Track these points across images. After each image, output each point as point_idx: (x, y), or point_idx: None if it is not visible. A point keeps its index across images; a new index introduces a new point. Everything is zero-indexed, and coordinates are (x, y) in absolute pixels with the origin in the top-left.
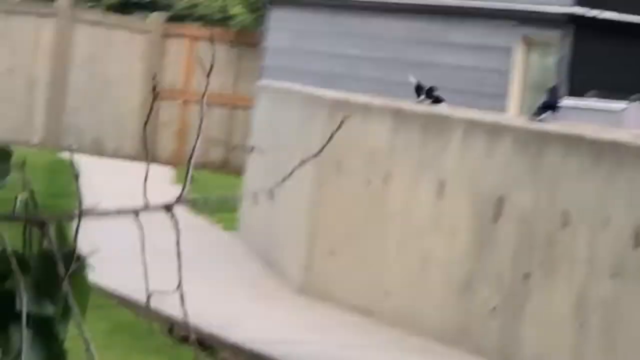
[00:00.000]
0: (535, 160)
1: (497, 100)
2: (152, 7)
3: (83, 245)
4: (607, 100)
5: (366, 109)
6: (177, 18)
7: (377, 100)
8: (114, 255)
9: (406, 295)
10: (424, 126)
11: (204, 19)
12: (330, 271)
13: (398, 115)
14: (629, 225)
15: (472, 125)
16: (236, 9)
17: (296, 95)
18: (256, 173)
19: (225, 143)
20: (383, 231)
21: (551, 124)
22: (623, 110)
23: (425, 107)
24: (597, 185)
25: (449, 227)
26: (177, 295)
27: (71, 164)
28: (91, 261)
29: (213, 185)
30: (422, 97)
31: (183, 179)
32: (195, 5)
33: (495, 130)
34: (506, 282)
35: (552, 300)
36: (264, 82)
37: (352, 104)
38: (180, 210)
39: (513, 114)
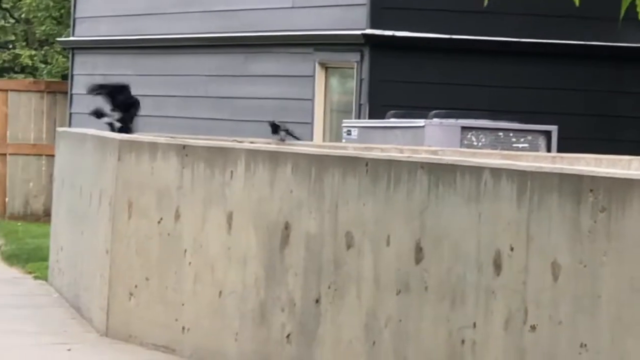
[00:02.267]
0: (316, 184)
1: (304, 127)
2: None
3: None
4: (407, 118)
5: (153, 147)
6: (0, 71)
7: (162, 138)
8: None
9: (204, 329)
10: (208, 160)
11: (27, 70)
12: (131, 312)
13: (183, 151)
14: (409, 241)
15: (253, 155)
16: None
17: (89, 139)
18: (59, 218)
19: (45, 193)
20: (178, 268)
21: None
22: (423, 127)
23: (211, 141)
24: (377, 204)
25: (240, 258)
26: None
27: None
28: None
29: (31, 236)
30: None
31: (1, 232)
32: (18, 57)
33: (275, 158)
34: (298, 308)
35: (343, 322)
36: (61, 128)
37: (139, 144)
38: None
39: (318, 140)
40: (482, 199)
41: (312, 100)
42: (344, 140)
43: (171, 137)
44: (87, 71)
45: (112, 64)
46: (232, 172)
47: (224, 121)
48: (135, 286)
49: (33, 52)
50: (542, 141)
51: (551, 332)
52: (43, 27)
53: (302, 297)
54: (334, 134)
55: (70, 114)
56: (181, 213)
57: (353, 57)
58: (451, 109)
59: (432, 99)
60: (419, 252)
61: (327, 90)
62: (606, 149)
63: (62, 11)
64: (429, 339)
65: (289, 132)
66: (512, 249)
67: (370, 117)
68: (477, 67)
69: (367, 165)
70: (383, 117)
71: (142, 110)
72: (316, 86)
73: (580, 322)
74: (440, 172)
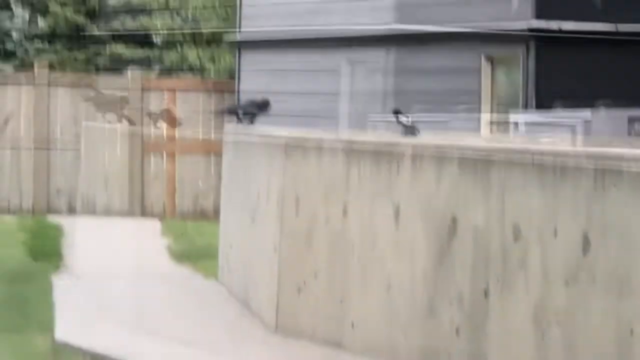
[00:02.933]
0: (482, 178)
1: (470, 121)
2: (143, 64)
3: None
4: (573, 110)
5: (320, 144)
6: (168, 71)
7: (329, 135)
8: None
9: (372, 323)
10: (375, 155)
11: (194, 70)
12: (300, 308)
13: (350, 147)
14: (576, 233)
15: (419, 150)
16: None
17: (257, 138)
18: (228, 217)
19: (214, 191)
20: (346, 263)
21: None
22: (589, 118)
23: (375, 136)
24: (543, 196)
25: (408, 252)
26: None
27: (55, 227)
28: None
29: (200, 234)
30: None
31: (170, 231)
32: (185, 56)
33: (442, 152)
34: (467, 301)
35: (512, 314)
36: (228, 127)
37: (306, 141)
38: (163, 261)
39: (485, 132)
40: None
41: (478, 93)
42: (511, 133)
43: (338, 134)
44: (254, 68)
45: (278, 61)
46: (398, 167)
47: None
48: (304, 282)
49: (200, 52)
50: None
51: None
52: (210, 26)
53: (470, 290)
54: (502, 126)
55: None
56: (348, 209)
57: (519, 50)
58: (618, 99)
59: (599, 90)
60: (586, 243)
61: (493, 83)
62: None
63: (228, 9)
64: (598, 330)
65: (413, 128)
66: None
67: (537, 109)
68: None
69: (532, 157)
70: (550, 109)
71: (310, 106)
72: (483, 79)
73: None
74: (606, 163)
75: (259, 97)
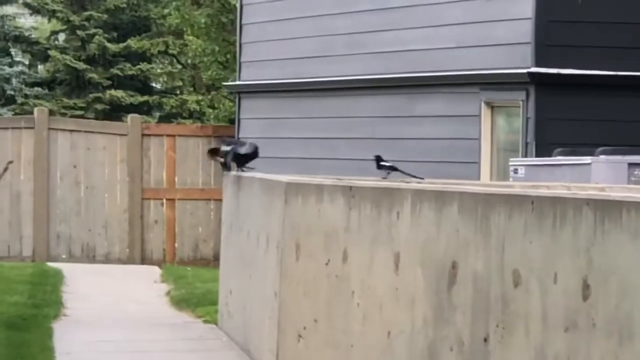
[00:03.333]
0: (482, 223)
1: (470, 167)
2: (141, 110)
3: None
4: (573, 156)
5: (319, 189)
6: (168, 117)
7: (329, 180)
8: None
9: None
10: (374, 200)
11: (194, 115)
12: (300, 354)
13: (350, 192)
14: (576, 278)
15: (419, 195)
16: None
17: (256, 182)
18: (228, 262)
19: (214, 237)
20: (347, 309)
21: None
22: (589, 164)
23: (375, 180)
24: (543, 242)
25: (408, 298)
26: None
27: (55, 273)
28: None
29: (200, 280)
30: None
31: (169, 277)
32: (185, 102)
33: (441, 197)
34: (467, 347)
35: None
36: (230, 172)
37: (305, 186)
38: (162, 307)
39: (485, 179)
40: None
41: (478, 139)
42: (511, 179)
43: (337, 179)
44: (254, 115)
45: (278, 108)
46: (398, 212)
47: (391, 162)
48: (304, 328)
49: (200, 97)
50: None
51: None
52: (209, 72)
53: (471, 336)
54: (501, 173)
55: None
56: (349, 254)
57: (519, 96)
58: (618, 146)
59: (599, 136)
60: (586, 289)
61: (493, 129)
62: None
63: (228, 56)
64: None
65: (394, 169)
66: None
67: (537, 155)
68: None
69: (532, 203)
70: (550, 155)
71: (310, 153)
72: (482, 125)
73: None
74: (606, 208)
75: (244, 142)
